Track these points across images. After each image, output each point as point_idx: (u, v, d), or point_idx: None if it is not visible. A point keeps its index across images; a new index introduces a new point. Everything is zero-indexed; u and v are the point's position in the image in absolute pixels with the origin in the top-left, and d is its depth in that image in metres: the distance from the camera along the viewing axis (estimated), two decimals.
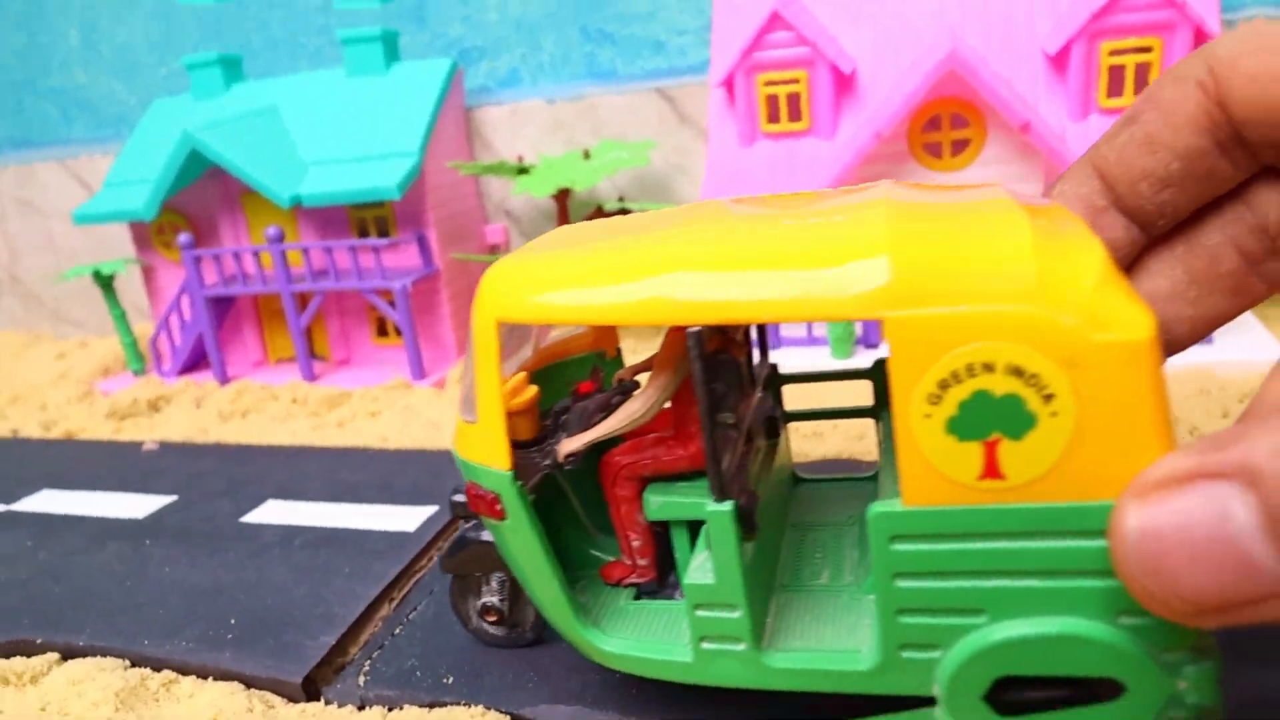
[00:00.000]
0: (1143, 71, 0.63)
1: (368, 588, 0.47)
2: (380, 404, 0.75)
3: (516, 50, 0.87)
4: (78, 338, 1.09)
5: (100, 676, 0.44)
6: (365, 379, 0.80)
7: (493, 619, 0.40)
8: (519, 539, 0.35)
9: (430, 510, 0.55)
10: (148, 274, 0.91)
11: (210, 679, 0.43)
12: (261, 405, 0.78)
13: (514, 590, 0.41)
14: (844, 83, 0.68)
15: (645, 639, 0.35)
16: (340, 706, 0.41)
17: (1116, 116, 0.46)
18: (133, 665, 0.45)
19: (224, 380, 0.84)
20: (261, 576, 0.50)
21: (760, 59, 0.67)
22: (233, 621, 0.45)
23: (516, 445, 0.35)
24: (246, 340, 0.89)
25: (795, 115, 0.68)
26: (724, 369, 0.35)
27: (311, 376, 0.81)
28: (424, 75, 0.84)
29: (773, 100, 0.68)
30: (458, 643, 0.42)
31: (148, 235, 0.89)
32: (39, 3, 0.97)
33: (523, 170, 0.80)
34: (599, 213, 0.81)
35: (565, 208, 0.80)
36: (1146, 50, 0.62)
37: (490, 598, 0.40)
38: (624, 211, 0.80)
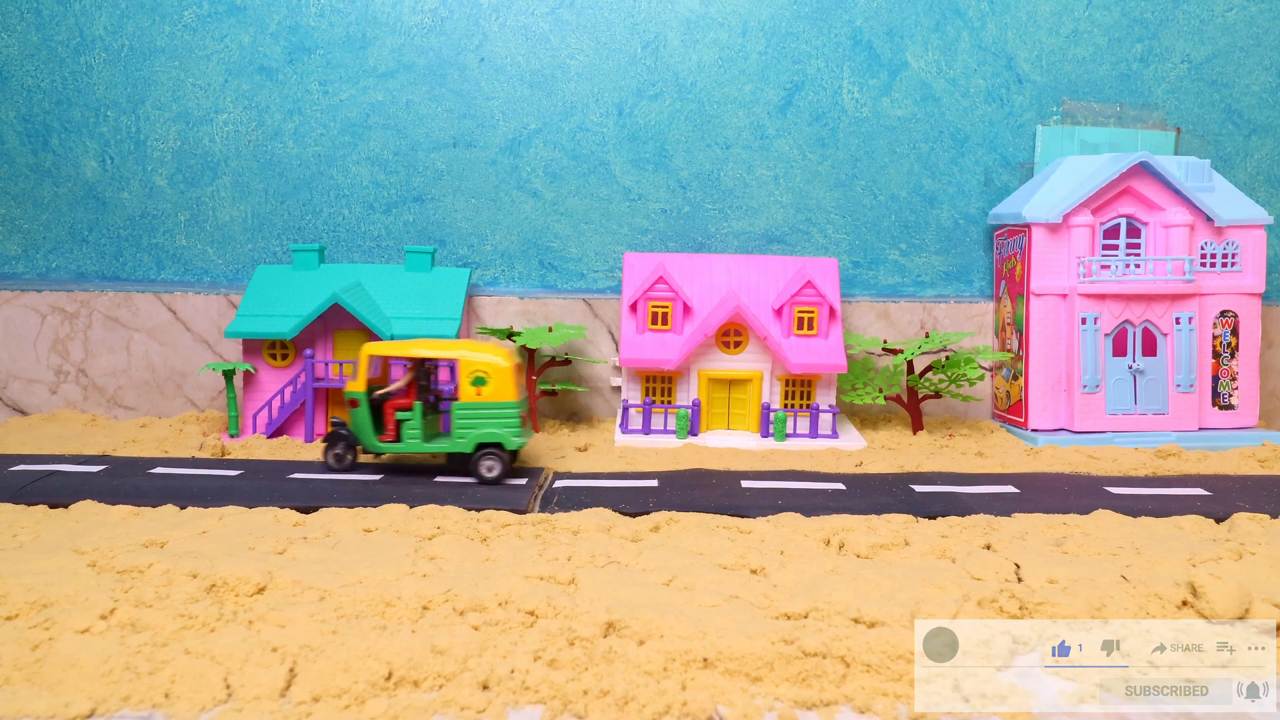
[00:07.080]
0: (810, 320, 1.45)
1: None
2: None
3: (500, 267, 1.55)
4: (133, 419, 1.50)
5: None
6: None
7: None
8: (360, 415, 1.12)
9: None
10: (248, 376, 1.41)
11: None
12: None
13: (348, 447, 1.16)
14: (687, 310, 1.45)
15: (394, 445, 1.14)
16: None
17: (801, 339, 1.26)
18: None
19: (309, 440, 1.36)
20: None
21: (650, 295, 1.42)
22: None
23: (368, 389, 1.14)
24: (311, 420, 1.42)
25: (665, 322, 1.43)
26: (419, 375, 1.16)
27: None
28: (454, 276, 1.48)
29: (655, 315, 1.42)
30: None
31: (259, 349, 1.41)
32: (187, 172, 1.48)
33: (511, 335, 1.46)
34: (552, 362, 1.48)
35: (533, 356, 1.47)
36: (811, 312, 1.45)
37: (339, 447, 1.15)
38: (566, 361, 1.48)
